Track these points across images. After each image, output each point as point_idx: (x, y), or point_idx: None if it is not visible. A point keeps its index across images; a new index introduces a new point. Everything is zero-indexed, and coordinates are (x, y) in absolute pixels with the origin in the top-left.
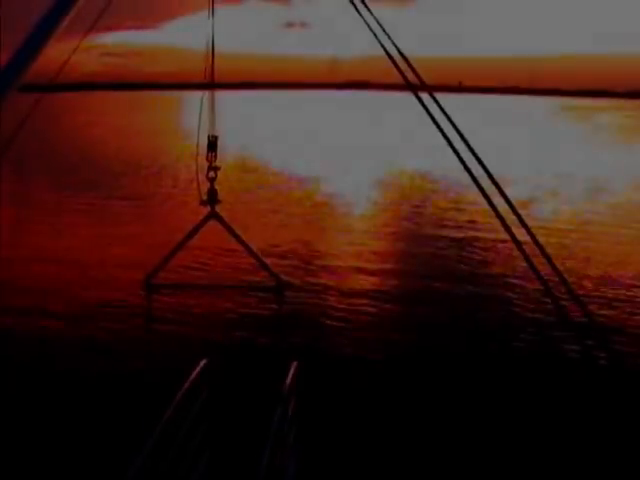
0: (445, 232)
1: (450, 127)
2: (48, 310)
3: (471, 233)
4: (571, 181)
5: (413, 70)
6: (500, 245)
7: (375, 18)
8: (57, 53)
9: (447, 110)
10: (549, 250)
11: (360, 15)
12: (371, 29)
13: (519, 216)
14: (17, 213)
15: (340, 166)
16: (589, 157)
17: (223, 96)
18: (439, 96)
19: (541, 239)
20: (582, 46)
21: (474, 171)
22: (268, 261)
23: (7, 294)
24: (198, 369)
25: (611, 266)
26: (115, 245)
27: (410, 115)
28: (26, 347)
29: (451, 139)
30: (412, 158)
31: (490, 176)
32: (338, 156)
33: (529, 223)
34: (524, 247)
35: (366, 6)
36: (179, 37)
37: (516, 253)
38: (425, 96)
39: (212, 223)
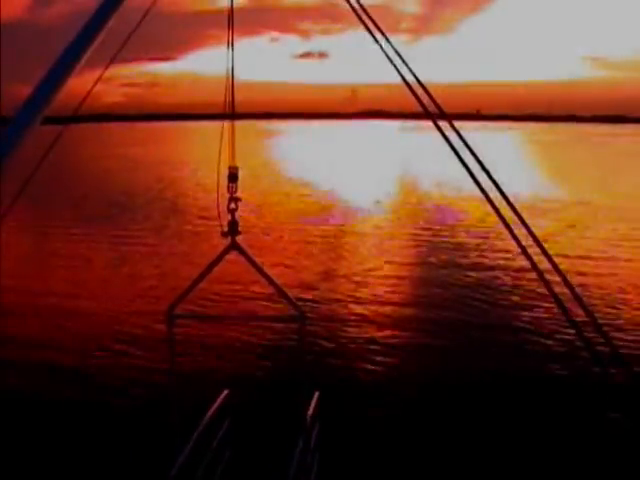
0: (470, 261)
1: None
2: (68, 342)
3: (495, 262)
4: (594, 209)
5: (431, 98)
6: (522, 273)
7: (393, 46)
8: (77, 85)
9: (466, 138)
10: (573, 280)
11: (378, 43)
12: (389, 58)
13: (539, 243)
14: (33, 245)
15: (364, 194)
16: (610, 185)
17: (244, 126)
18: (457, 124)
19: (564, 267)
20: (599, 71)
21: (495, 200)
22: (289, 291)
23: (24, 326)
24: (220, 400)
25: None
26: (136, 277)
27: (433, 143)
28: (46, 379)
29: (471, 168)
30: (437, 185)
31: (511, 206)
32: (362, 185)
33: (551, 251)
34: (546, 276)
35: (384, 35)
36: (199, 68)
37: (540, 282)
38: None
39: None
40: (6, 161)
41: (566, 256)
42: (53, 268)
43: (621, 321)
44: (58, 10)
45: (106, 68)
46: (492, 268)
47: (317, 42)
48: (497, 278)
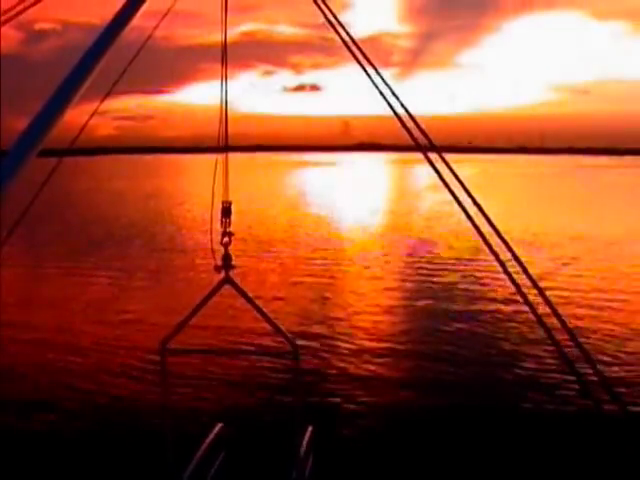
0: (467, 294)
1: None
2: (58, 376)
3: (491, 295)
4: (588, 244)
5: (421, 130)
6: (515, 306)
7: (383, 79)
8: (70, 117)
9: (457, 170)
10: (566, 315)
11: (368, 77)
12: (379, 90)
13: (530, 277)
14: (21, 280)
15: (356, 229)
16: (604, 218)
17: (237, 159)
18: (449, 156)
19: (558, 304)
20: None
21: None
22: (283, 325)
23: (14, 361)
24: (214, 433)
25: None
26: (127, 311)
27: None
28: (37, 414)
29: (462, 201)
30: (428, 220)
31: (503, 240)
32: (352, 219)
33: (548, 286)
34: (537, 308)
35: (374, 68)
36: (193, 101)
37: (531, 316)
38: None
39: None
40: (2, 193)
41: (565, 290)
42: (41, 303)
43: (616, 357)
44: (51, 44)
45: (102, 101)
46: (489, 301)
47: (310, 75)
48: (495, 311)
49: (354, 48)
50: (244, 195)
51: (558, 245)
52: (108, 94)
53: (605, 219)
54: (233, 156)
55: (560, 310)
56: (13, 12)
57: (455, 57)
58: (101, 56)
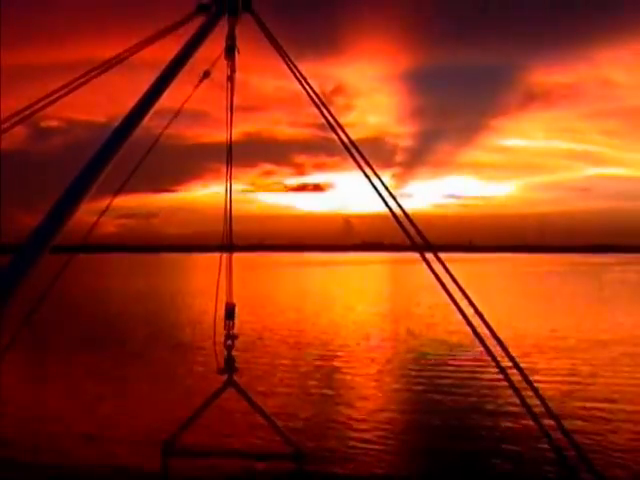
0: (457, 385)
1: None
2: (62, 471)
3: (489, 392)
4: (591, 346)
5: (417, 230)
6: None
7: (381, 180)
8: (78, 215)
9: (454, 270)
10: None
11: (367, 177)
12: (377, 191)
13: (530, 383)
14: (28, 374)
15: (357, 332)
16: (604, 318)
17: (240, 258)
18: (450, 256)
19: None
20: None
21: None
22: (286, 427)
23: (18, 451)
24: None
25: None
26: (132, 411)
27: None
28: None
29: (459, 302)
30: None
31: (499, 341)
32: (355, 322)
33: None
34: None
35: (372, 169)
36: (197, 200)
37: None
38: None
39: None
40: (14, 290)
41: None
42: (43, 400)
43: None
44: (57, 142)
45: (112, 200)
46: (493, 398)
47: (312, 175)
48: (495, 404)
49: (353, 150)
50: (248, 294)
51: (570, 351)
52: (118, 193)
53: (613, 322)
54: (236, 255)
55: (560, 413)
56: (21, 116)
57: (455, 156)
58: (111, 157)
